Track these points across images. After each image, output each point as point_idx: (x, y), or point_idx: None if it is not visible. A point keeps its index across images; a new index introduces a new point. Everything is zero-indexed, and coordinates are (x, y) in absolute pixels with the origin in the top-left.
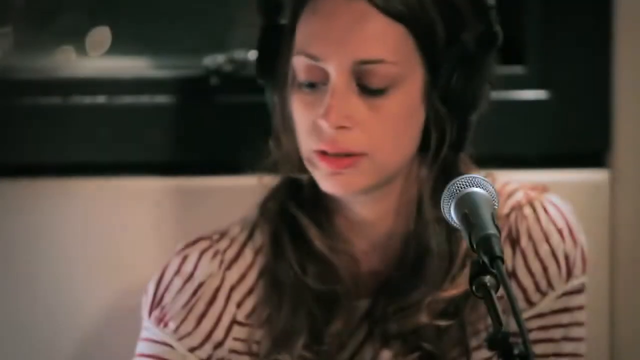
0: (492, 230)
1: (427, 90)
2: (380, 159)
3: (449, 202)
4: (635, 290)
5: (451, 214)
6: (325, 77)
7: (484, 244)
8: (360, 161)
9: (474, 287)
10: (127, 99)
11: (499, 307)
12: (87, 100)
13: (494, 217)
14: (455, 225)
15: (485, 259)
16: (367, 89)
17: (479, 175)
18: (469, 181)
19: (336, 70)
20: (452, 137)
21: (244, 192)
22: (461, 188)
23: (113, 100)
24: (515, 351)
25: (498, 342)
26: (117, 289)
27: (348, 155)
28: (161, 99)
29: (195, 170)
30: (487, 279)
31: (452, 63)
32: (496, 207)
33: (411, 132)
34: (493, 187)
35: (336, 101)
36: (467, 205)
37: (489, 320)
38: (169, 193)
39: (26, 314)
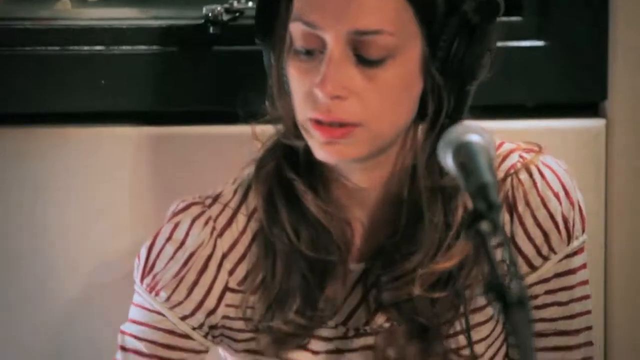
0: (488, 178)
1: (426, 61)
2: (375, 129)
3: (445, 150)
4: (630, 236)
5: (447, 162)
6: (322, 45)
7: (481, 191)
8: (355, 131)
9: (470, 235)
10: (126, 48)
11: (494, 253)
12: (86, 49)
13: (490, 165)
14: (452, 173)
15: (482, 206)
16: (364, 59)
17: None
18: (466, 129)
19: (333, 40)
20: (450, 106)
21: (241, 140)
22: (458, 136)
23: (112, 50)
24: (511, 295)
25: (494, 287)
26: (116, 236)
27: (343, 125)
28: (160, 48)
29: (193, 119)
30: (483, 225)
31: (451, 34)
32: (493, 155)
33: (408, 103)
34: (489, 135)
35: (332, 71)
36: (464, 154)
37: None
38: (168, 141)
39: (23, 260)
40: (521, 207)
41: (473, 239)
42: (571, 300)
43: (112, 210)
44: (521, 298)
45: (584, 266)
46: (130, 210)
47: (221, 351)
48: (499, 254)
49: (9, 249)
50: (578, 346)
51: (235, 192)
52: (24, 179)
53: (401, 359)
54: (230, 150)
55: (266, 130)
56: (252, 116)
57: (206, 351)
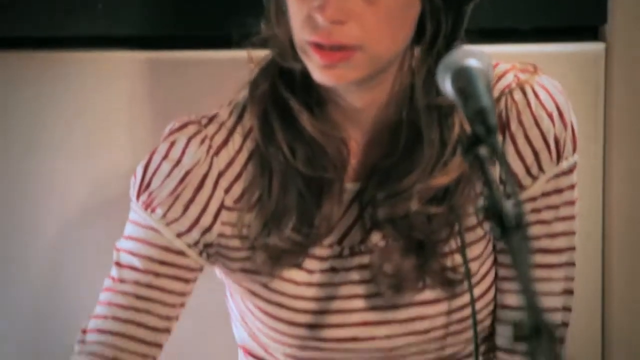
0: (487, 102)
1: None
2: (374, 52)
3: (444, 75)
4: (628, 154)
5: (446, 87)
6: None
7: (479, 115)
8: (354, 55)
9: (468, 159)
10: None
11: (493, 176)
12: None
13: (489, 90)
14: (450, 96)
15: (481, 130)
16: None
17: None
18: (465, 54)
19: None
20: (447, 28)
21: (240, 64)
22: (457, 61)
23: None
24: (509, 217)
25: (492, 208)
26: (115, 158)
27: (342, 48)
28: None
29: (192, 44)
30: (482, 150)
31: None
32: (491, 79)
33: (406, 25)
34: (488, 59)
35: None
36: (463, 78)
37: (479, 202)
38: (167, 66)
39: (22, 182)
40: (514, 126)
41: (471, 163)
42: (555, 219)
43: (111, 132)
44: (518, 219)
45: (572, 187)
46: (128, 133)
47: (217, 272)
48: (494, 174)
49: (10, 171)
50: (560, 265)
51: (231, 113)
52: (24, 103)
53: (397, 274)
54: (229, 74)
55: (262, 55)
56: (247, 39)
57: (200, 270)
